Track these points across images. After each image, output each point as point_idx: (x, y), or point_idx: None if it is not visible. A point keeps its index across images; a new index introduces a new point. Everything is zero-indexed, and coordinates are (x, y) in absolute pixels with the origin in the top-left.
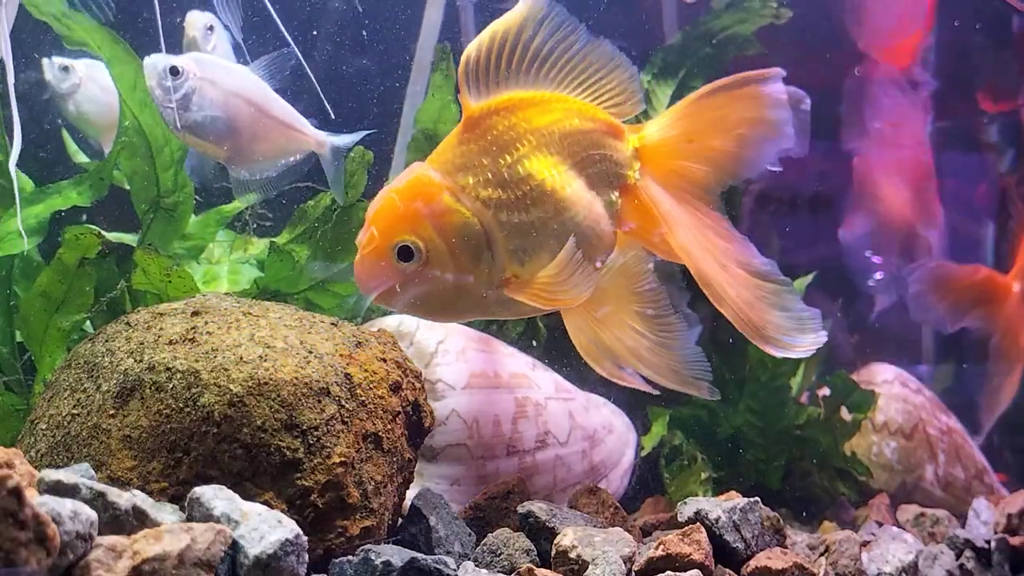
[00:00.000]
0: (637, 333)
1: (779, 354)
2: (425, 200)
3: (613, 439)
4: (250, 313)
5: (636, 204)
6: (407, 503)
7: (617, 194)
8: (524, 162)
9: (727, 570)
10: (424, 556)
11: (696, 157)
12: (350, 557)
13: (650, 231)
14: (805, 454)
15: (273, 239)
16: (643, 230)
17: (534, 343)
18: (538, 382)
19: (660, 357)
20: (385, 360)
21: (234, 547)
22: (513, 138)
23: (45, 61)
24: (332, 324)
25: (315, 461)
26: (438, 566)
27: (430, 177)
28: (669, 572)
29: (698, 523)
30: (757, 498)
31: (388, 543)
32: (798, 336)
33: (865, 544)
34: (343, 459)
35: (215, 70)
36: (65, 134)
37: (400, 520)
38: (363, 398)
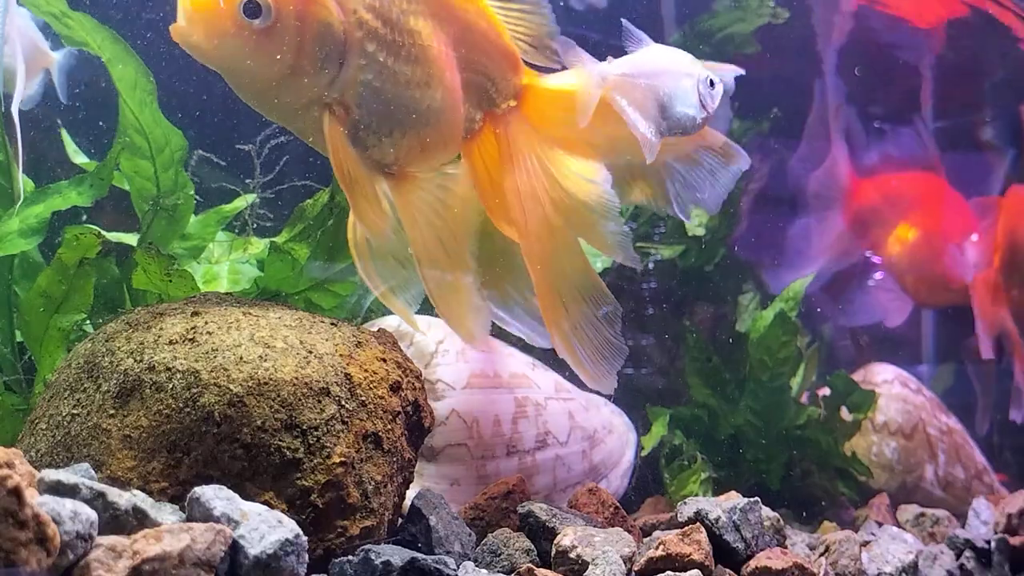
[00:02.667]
0: (456, 243)
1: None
2: None
3: (613, 439)
4: (250, 313)
5: (491, 139)
6: (407, 503)
7: (481, 115)
8: (417, 18)
9: (727, 570)
10: (424, 556)
11: (583, 130)
12: (350, 557)
13: (486, 171)
14: (805, 454)
15: (273, 239)
16: (479, 166)
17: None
18: (538, 382)
19: (467, 262)
20: (385, 360)
21: (234, 547)
22: None
23: None
24: (332, 324)
25: (315, 461)
26: (438, 566)
27: None
28: (669, 572)
29: (698, 523)
30: (757, 498)
31: (388, 543)
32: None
33: (865, 544)
34: (343, 459)
35: None
36: (64, 134)
37: (400, 520)
38: (363, 398)
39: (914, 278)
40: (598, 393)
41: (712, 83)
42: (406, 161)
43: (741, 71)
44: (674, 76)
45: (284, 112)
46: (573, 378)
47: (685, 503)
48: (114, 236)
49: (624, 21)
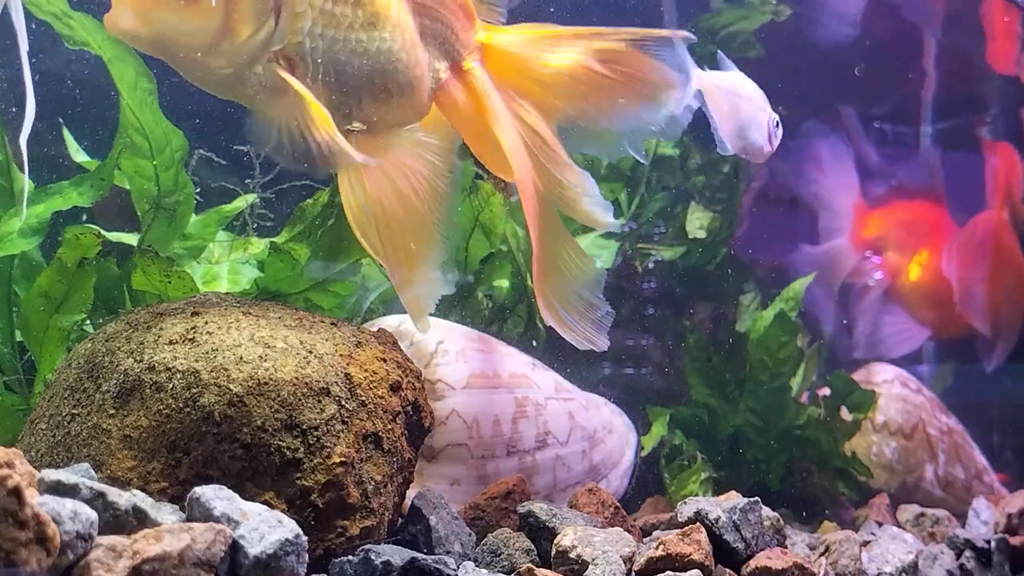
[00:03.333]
0: (419, 206)
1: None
2: None
3: (613, 439)
4: (250, 313)
5: (463, 89)
6: (407, 503)
7: (446, 66)
8: None
9: (727, 570)
10: (424, 556)
11: (543, 85)
12: (350, 557)
13: (467, 122)
14: (805, 454)
15: (273, 239)
16: (459, 117)
17: (534, 343)
18: (538, 382)
19: (430, 233)
20: (385, 360)
21: (234, 547)
22: None
23: None
24: (332, 324)
25: (315, 461)
26: (438, 566)
27: None
28: (669, 572)
29: (698, 523)
30: (757, 498)
31: (388, 543)
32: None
33: (865, 544)
34: (343, 459)
35: None
36: (66, 133)
37: (400, 520)
38: (363, 398)
39: (929, 310)
40: (599, 394)
41: (778, 123)
42: (369, 116)
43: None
44: (754, 105)
45: (228, 81)
46: (573, 378)
47: (685, 503)
48: (114, 236)
49: (720, 53)
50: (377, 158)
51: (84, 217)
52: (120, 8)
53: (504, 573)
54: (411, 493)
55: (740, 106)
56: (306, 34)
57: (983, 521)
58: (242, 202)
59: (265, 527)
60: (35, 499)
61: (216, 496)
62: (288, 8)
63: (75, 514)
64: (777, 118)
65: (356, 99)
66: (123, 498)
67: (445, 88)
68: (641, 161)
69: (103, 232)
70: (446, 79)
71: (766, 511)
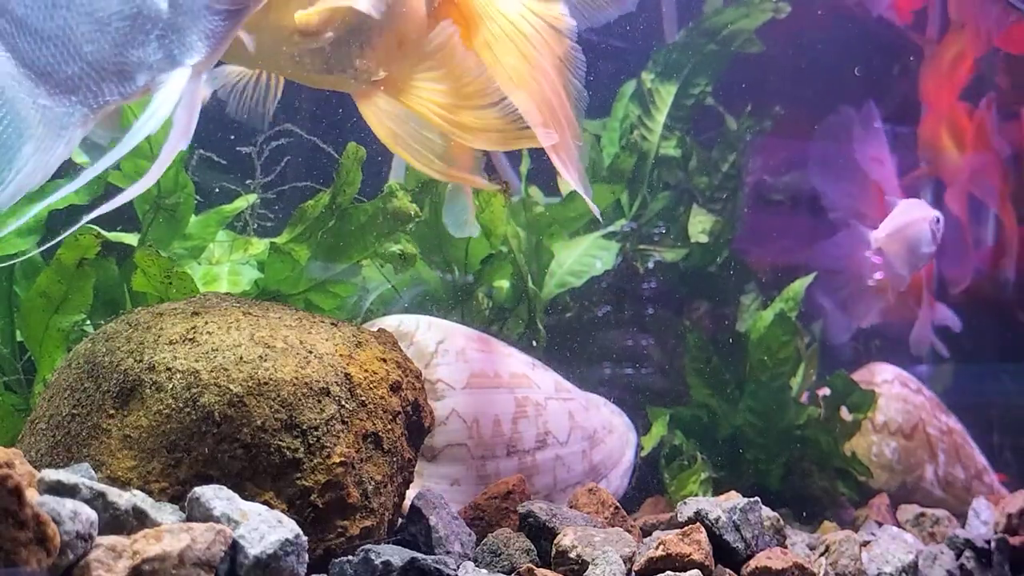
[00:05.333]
0: (455, 106)
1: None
2: None
3: (613, 439)
4: (250, 313)
5: (461, 7)
6: (407, 503)
7: None
8: None
9: (727, 570)
10: (424, 556)
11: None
12: (350, 557)
13: (466, 37)
14: (805, 454)
15: (273, 239)
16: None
17: (534, 343)
18: (538, 382)
19: (484, 119)
20: (385, 360)
21: (234, 547)
22: None
23: None
24: (332, 324)
25: (315, 461)
26: (438, 566)
27: None
28: (669, 572)
29: (698, 523)
30: (757, 498)
31: (388, 543)
32: None
33: (865, 544)
34: (343, 459)
35: None
36: None
37: (400, 520)
38: (363, 398)
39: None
40: (598, 394)
41: (938, 220)
42: (388, 63)
43: None
44: (920, 224)
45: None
46: (573, 378)
47: (685, 503)
48: (114, 236)
49: (888, 199)
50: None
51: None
52: None
53: (504, 573)
54: (411, 493)
55: (909, 235)
56: None
57: (983, 521)
58: (242, 202)
59: (265, 527)
60: (35, 499)
61: (216, 496)
62: None
63: (75, 514)
64: (938, 216)
65: (372, 49)
66: (123, 498)
67: (439, 8)
68: None
69: (103, 232)
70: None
71: (766, 511)
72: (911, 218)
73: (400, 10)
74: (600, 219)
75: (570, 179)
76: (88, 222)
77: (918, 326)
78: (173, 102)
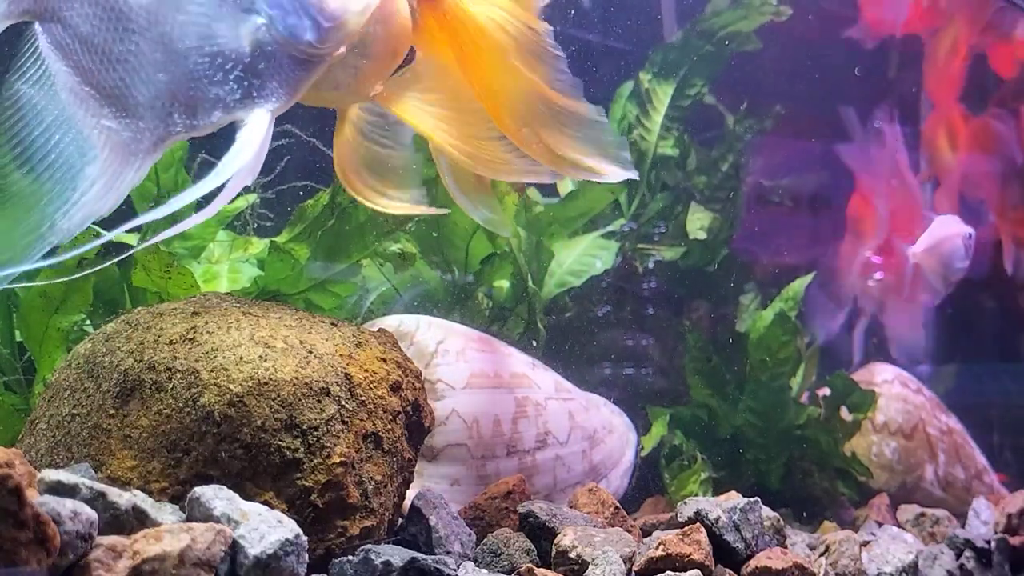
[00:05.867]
0: (461, 134)
1: (596, 177)
2: None
3: (613, 439)
4: (250, 313)
5: (439, 17)
6: (407, 503)
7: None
8: None
9: (727, 570)
10: (424, 556)
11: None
12: (350, 557)
13: (449, 52)
14: (805, 454)
15: (273, 239)
16: (440, 48)
17: (534, 343)
18: (538, 382)
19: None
20: (385, 360)
21: (234, 547)
22: None
23: None
24: (332, 324)
25: (315, 461)
26: (438, 566)
27: None
28: (669, 572)
29: (698, 523)
30: (757, 498)
31: (388, 543)
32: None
33: (865, 544)
34: (343, 459)
35: None
36: None
37: (400, 520)
38: (363, 398)
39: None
40: (598, 394)
41: (970, 235)
42: (384, 77)
43: None
44: (954, 240)
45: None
46: (573, 378)
47: (685, 503)
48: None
49: (929, 215)
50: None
51: None
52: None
53: (504, 573)
54: (411, 493)
55: (944, 250)
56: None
57: (983, 521)
58: (242, 202)
59: (265, 527)
60: (35, 499)
61: (216, 496)
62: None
63: (75, 514)
64: (971, 232)
65: (361, 67)
66: (123, 498)
67: (423, 28)
68: None
69: (102, 232)
70: (419, 10)
71: (766, 511)
72: (946, 234)
73: (392, 22)
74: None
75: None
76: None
77: (902, 329)
78: (257, 144)
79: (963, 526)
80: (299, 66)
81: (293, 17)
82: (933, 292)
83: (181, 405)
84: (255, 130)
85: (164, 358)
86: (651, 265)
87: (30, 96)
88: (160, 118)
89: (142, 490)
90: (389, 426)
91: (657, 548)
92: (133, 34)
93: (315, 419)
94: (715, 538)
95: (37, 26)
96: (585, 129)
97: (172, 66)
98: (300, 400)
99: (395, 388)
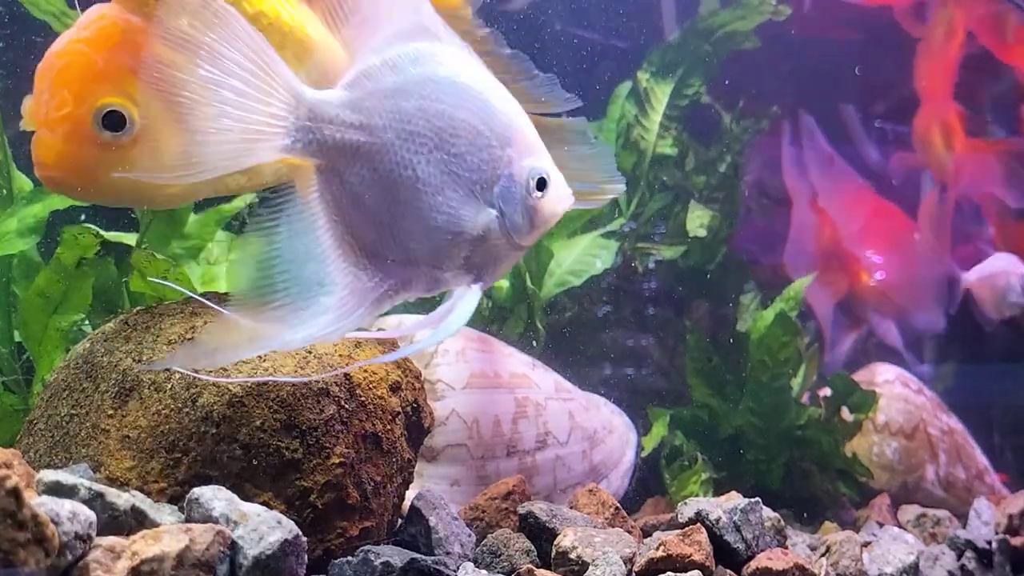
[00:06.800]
0: None
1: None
2: (131, 50)
3: (613, 439)
4: None
5: None
6: (407, 503)
7: None
8: None
9: (728, 571)
10: (424, 557)
11: None
12: (349, 558)
13: None
14: (806, 455)
15: None
16: None
17: (534, 343)
18: (538, 382)
19: None
20: None
21: (233, 548)
22: None
23: None
24: None
25: (314, 462)
26: (438, 567)
27: (129, 21)
28: (670, 573)
29: (699, 524)
30: (758, 499)
31: (388, 544)
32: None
33: (866, 545)
34: (342, 460)
35: None
36: None
37: (400, 521)
38: (362, 398)
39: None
40: (598, 394)
41: None
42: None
43: None
44: (1009, 276)
45: (203, 188)
46: (573, 378)
47: (686, 504)
48: (113, 236)
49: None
50: None
51: (83, 217)
52: (50, 165)
53: (504, 574)
54: (411, 494)
55: (996, 284)
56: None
57: (984, 522)
58: (241, 202)
59: (264, 528)
60: (34, 500)
61: (215, 497)
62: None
63: (74, 515)
64: None
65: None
66: (122, 498)
67: None
68: None
69: (101, 232)
70: None
71: (767, 512)
72: (1000, 268)
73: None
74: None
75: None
76: None
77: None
78: (469, 314)
79: (964, 527)
80: (510, 253)
81: (519, 216)
82: (985, 320)
83: (180, 405)
84: (470, 302)
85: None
86: (651, 264)
87: (293, 224)
88: (400, 277)
89: (141, 490)
90: (388, 426)
91: (658, 549)
92: (398, 204)
93: (314, 419)
94: (716, 539)
95: (316, 173)
96: (571, 146)
97: (422, 236)
98: (299, 400)
99: (395, 388)
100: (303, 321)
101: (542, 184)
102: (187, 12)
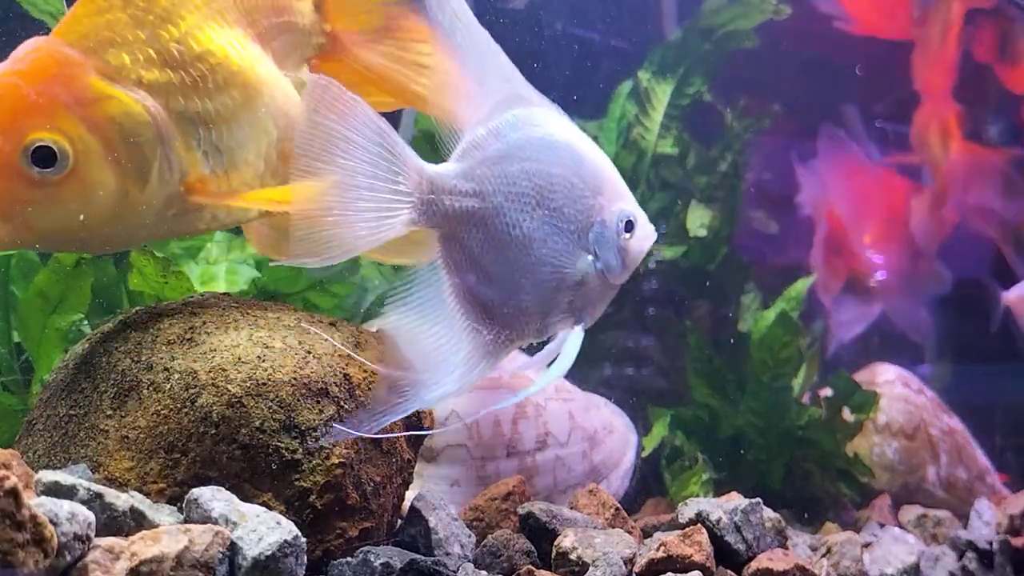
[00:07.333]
0: None
1: None
2: (66, 84)
3: (613, 440)
4: (248, 313)
5: (336, 71)
6: (407, 504)
7: (307, 71)
8: (196, 35)
9: (728, 571)
10: (423, 558)
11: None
12: (349, 559)
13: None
14: (807, 455)
15: None
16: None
17: (534, 343)
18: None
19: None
20: None
21: (232, 548)
22: (174, 4)
23: None
24: (331, 324)
25: (314, 462)
26: (437, 568)
27: (66, 54)
28: (670, 573)
29: (699, 524)
30: (758, 499)
31: (387, 544)
32: None
33: (867, 545)
34: (342, 460)
35: None
36: None
37: (399, 521)
38: (362, 398)
39: None
40: (599, 394)
41: None
42: (280, 169)
43: None
44: None
45: (148, 224)
46: (573, 378)
47: (686, 504)
48: None
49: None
50: None
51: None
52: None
53: (504, 574)
54: (411, 494)
55: None
56: (202, 148)
57: (985, 522)
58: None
59: (263, 528)
60: (32, 500)
61: (214, 497)
62: (175, 142)
63: (72, 515)
64: None
65: (270, 162)
66: (121, 499)
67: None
68: None
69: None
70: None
71: (767, 512)
72: None
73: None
74: None
75: None
76: None
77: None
78: (575, 354)
79: (965, 527)
80: (606, 293)
81: (613, 259)
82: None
83: (179, 406)
84: (575, 342)
85: (162, 358)
86: (651, 264)
87: (425, 294)
88: (514, 327)
89: (140, 491)
90: (388, 427)
91: (658, 549)
92: (508, 260)
93: (314, 420)
94: (716, 539)
95: (438, 242)
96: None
97: (531, 288)
98: (299, 401)
99: None
100: (437, 380)
101: (630, 226)
102: (324, 105)
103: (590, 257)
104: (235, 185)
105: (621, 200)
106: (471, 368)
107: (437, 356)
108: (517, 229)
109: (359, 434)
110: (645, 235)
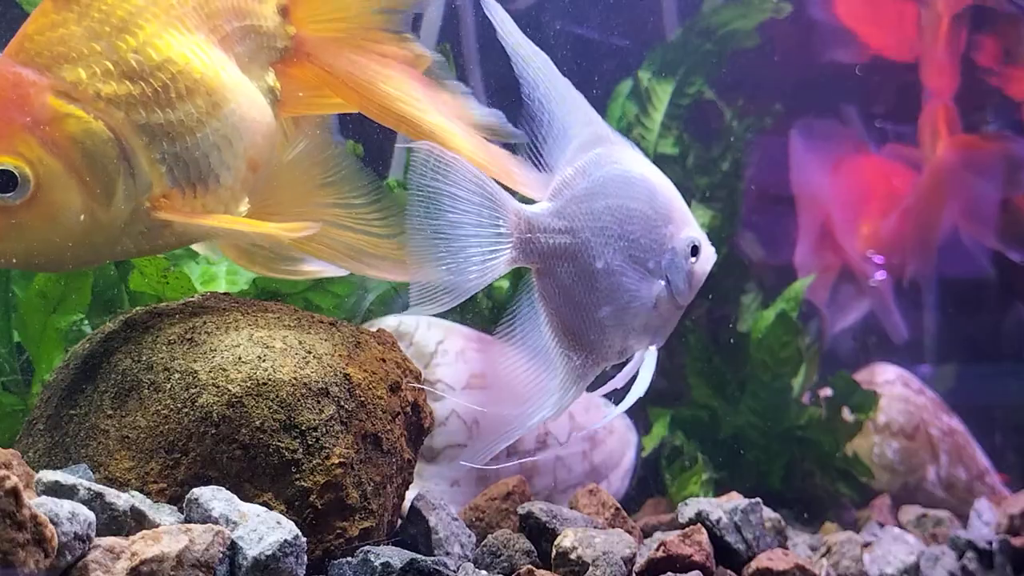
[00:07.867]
0: (346, 230)
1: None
2: (21, 105)
3: (613, 440)
4: (249, 313)
5: (300, 75)
6: (407, 504)
7: (273, 76)
8: (156, 44)
9: (728, 571)
10: (424, 557)
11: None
12: (349, 558)
13: (324, 99)
14: (806, 455)
15: None
16: (315, 101)
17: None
18: None
19: (382, 248)
20: (384, 360)
21: (233, 548)
22: (131, 13)
23: None
24: (331, 324)
25: (314, 462)
26: (437, 567)
27: (19, 74)
28: (670, 573)
29: (699, 524)
30: (758, 499)
31: (387, 544)
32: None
33: (867, 545)
34: (342, 460)
35: None
36: None
37: (400, 521)
38: (362, 398)
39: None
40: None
41: None
42: (253, 184)
43: None
44: None
45: (113, 242)
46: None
47: (686, 504)
48: None
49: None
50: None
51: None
52: None
53: (504, 574)
54: (411, 494)
55: None
56: (164, 162)
57: (985, 522)
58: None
59: (264, 528)
60: (33, 500)
61: (215, 497)
62: (139, 157)
63: (73, 515)
64: None
65: (238, 172)
66: (121, 499)
67: (284, 98)
68: None
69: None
70: (280, 85)
71: (767, 512)
72: None
73: (252, 138)
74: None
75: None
76: None
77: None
78: (652, 372)
79: (965, 527)
80: (675, 313)
81: (681, 281)
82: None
83: (179, 405)
84: (652, 362)
85: (162, 358)
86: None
87: (525, 327)
88: (600, 351)
89: (140, 491)
90: (388, 427)
91: (658, 549)
92: (594, 290)
93: (314, 420)
94: (716, 539)
95: (534, 278)
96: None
97: (613, 314)
98: (299, 400)
99: (395, 388)
100: (538, 407)
101: (695, 250)
102: (429, 168)
103: (662, 282)
104: (202, 198)
105: (687, 227)
106: (566, 392)
107: (538, 383)
108: (601, 261)
109: (479, 466)
110: (707, 257)
